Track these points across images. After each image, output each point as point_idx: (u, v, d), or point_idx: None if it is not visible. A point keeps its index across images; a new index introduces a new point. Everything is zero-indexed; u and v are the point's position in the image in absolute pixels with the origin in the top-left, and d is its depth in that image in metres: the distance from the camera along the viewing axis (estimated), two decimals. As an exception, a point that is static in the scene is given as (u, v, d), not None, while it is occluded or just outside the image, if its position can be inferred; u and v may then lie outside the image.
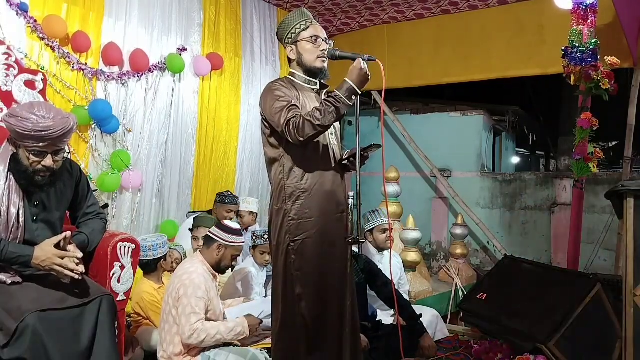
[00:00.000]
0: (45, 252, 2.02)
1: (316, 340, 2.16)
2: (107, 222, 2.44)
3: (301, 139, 2.05)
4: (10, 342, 1.87)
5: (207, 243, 2.75)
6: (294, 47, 2.28)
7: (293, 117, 2.06)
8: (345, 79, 2.08)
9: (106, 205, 3.74)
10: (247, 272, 3.45)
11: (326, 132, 2.24)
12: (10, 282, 2.04)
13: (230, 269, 2.95)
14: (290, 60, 2.34)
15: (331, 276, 2.18)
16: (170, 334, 2.54)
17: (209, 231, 2.80)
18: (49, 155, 2.07)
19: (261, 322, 2.78)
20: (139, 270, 2.98)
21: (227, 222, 2.85)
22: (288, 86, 2.24)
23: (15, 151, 2.09)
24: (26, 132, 2.00)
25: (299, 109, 2.12)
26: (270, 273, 2.69)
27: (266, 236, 3.13)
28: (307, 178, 2.18)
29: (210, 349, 2.54)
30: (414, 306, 3.41)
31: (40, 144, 2.03)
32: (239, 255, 2.86)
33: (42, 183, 2.11)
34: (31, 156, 2.05)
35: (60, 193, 2.24)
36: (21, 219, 2.09)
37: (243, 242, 2.84)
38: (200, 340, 2.47)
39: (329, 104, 2.05)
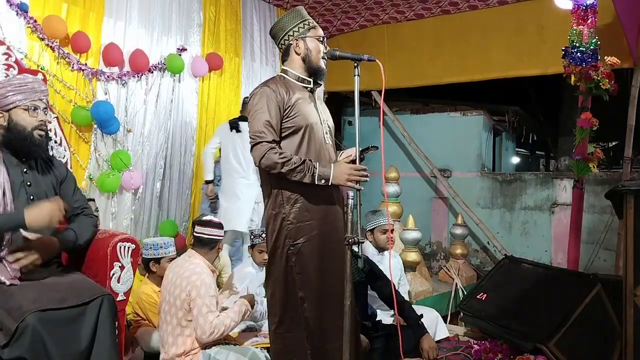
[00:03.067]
0: (35, 212, 2.03)
1: (318, 340, 2.17)
2: (96, 217, 2.46)
3: (257, 160, 2.07)
4: (11, 342, 1.87)
5: (207, 245, 2.71)
6: (301, 41, 2.22)
7: (270, 141, 2.06)
8: (333, 168, 2.08)
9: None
10: (246, 272, 3.45)
11: (322, 133, 2.24)
12: (9, 282, 2.04)
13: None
14: (287, 55, 2.28)
15: (332, 277, 2.18)
16: (173, 335, 2.53)
17: (204, 233, 2.72)
18: (42, 112, 2.19)
19: (253, 295, 2.87)
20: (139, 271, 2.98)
21: (211, 217, 2.85)
22: (279, 88, 2.17)
23: (8, 120, 2.15)
24: (17, 88, 2.13)
25: (275, 131, 2.11)
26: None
27: (264, 235, 3.12)
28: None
29: (211, 347, 2.54)
30: (414, 306, 3.41)
31: (33, 96, 2.17)
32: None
33: (40, 143, 2.19)
34: (27, 114, 2.16)
35: (48, 179, 2.28)
36: (7, 193, 2.10)
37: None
38: (221, 332, 2.51)
39: (305, 167, 2.06)
